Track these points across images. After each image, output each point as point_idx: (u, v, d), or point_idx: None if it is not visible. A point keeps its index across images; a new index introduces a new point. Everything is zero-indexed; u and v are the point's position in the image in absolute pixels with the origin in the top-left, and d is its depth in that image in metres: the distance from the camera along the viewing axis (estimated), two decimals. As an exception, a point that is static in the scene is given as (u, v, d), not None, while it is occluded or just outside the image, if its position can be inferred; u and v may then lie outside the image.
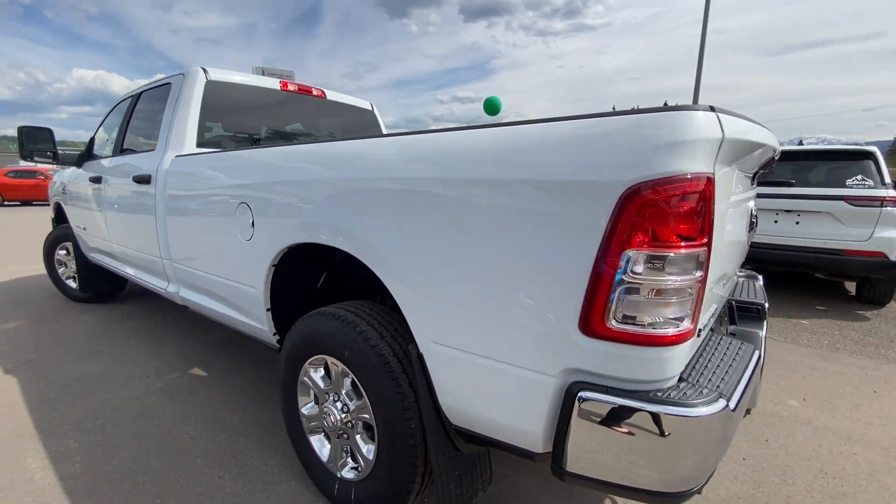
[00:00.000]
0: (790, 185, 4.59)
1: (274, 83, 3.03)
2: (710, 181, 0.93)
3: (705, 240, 0.94)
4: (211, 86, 2.69)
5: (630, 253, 0.92)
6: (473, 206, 1.14)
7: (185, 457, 2.06)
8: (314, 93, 3.27)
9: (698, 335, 1.09)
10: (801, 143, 5.55)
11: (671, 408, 0.93)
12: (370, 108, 3.76)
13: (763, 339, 1.79)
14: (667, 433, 0.93)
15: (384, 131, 3.84)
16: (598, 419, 0.99)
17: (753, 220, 1.62)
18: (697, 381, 1.07)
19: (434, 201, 1.22)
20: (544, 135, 1.05)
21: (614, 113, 0.97)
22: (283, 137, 3.20)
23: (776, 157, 1.54)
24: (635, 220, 0.90)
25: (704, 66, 13.70)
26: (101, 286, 4.24)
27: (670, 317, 0.95)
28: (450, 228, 1.19)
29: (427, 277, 1.26)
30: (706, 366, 1.17)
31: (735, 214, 1.34)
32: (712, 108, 0.93)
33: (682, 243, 0.92)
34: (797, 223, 4.48)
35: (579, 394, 1.00)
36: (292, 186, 1.69)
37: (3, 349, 3.26)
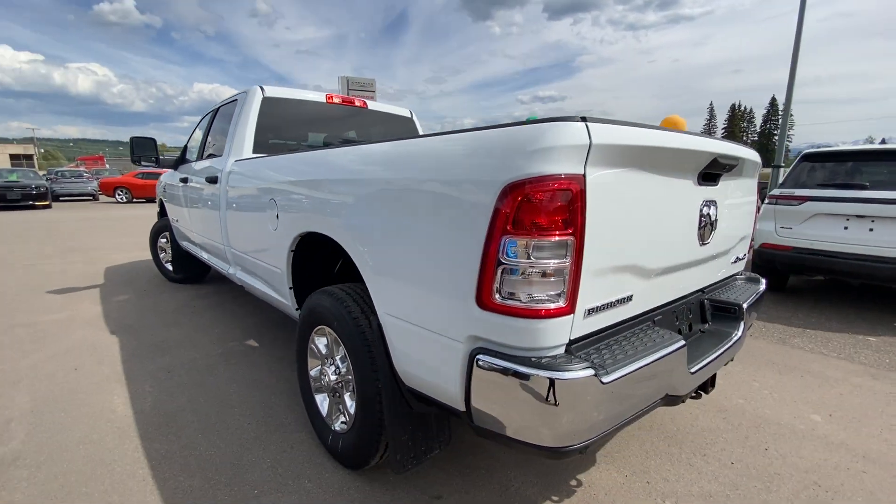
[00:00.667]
0: (864, 188, 4.15)
1: (320, 97, 3.48)
2: (578, 180, 1.09)
3: (571, 230, 1.10)
4: (267, 101, 3.19)
5: (507, 239, 1.10)
6: (406, 200, 1.39)
7: (226, 406, 2.52)
8: (356, 104, 3.67)
9: (589, 314, 1.23)
10: (870, 141, 4.92)
11: (538, 370, 1.10)
12: (409, 115, 4.10)
13: (737, 338, 1.81)
14: (536, 392, 1.10)
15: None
16: (489, 379, 1.18)
17: (705, 218, 1.65)
18: (588, 354, 1.22)
19: (380, 196, 1.49)
20: (456, 142, 1.27)
21: (507, 125, 1.16)
22: (329, 143, 3.65)
23: (723, 161, 1.58)
24: (510, 212, 1.09)
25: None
26: (190, 270, 5.05)
27: (545, 294, 1.12)
28: (391, 219, 1.45)
29: (380, 259, 1.52)
30: (612, 346, 1.29)
31: (662, 212, 1.43)
32: (583, 119, 1.08)
33: (550, 232, 1.09)
34: (871, 230, 4.04)
35: (477, 357, 1.20)
36: (299, 186, 2.05)
37: (113, 315, 4.08)
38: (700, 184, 1.59)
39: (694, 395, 1.77)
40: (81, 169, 27.64)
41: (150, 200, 20.37)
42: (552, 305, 1.13)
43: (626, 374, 1.17)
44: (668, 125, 9.17)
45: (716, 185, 1.70)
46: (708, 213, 1.65)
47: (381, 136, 3.96)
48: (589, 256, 1.15)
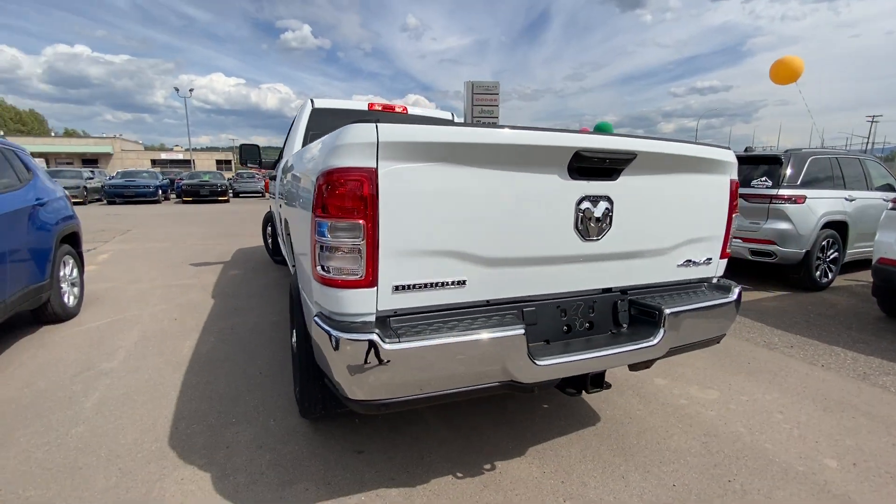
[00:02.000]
0: None
1: (362, 105, 3.96)
2: (370, 172, 1.27)
3: (362, 214, 1.28)
4: (315, 112, 3.78)
5: (318, 221, 1.34)
6: (295, 190, 1.70)
7: (254, 358, 3.13)
8: (397, 109, 4.07)
9: (399, 290, 1.38)
10: None
11: (335, 331, 1.31)
12: (451, 117, 4.36)
13: (647, 345, 1.70)
14: (333, 348, 1.31)
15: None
16: (318, 336, 1.43)
17: (584, 213, 1.58)
18: (399, 326, 1.38)
19: (293, 187, 1.83)
20: (318, 142, 1.54)
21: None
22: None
23: (591, 155, 1.52)
24: (320, 198, 1.32)
25: None
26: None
27: (346, 268, 1.33)
28: (295, 205, 1.78)
29: (293, 237, 1.87)
30: (437, 324, 1.42)
31: (505, 205, 1.47)
32: (377, 121, 1.27)
33: (345, 215, 1.29)
34: None
35: (314, 318, 1.46)
36: (285, 179, 2.51)
37: (220, 284, 5.18)
38: (575, 178, 1.56)
39: (572, 391, 1.72)
40: (255, 171, 33.65)
41: (300, 197, 24.01)
42: (352, 278, 1.33)
43: (415, 347, 1.31)
44: (780, 67, 8.14)
45: (612, 180, 1.64)
46: (588, 208, 1.60)
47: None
48: (386, 238, 1.32)
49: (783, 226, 4.98)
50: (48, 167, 26.22)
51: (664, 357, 1.83)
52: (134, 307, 4.30)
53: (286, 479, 1.92)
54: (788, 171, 5.12)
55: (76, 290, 4.06)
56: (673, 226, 1.85)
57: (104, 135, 56.93)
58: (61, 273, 3.75)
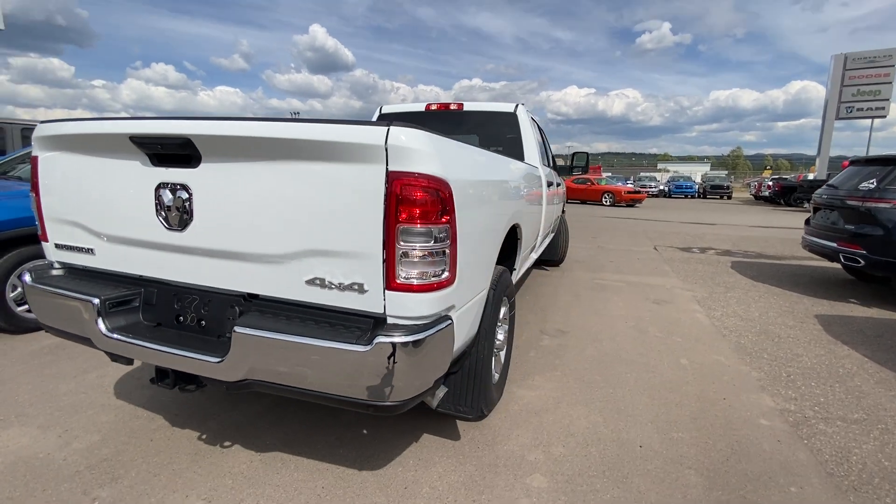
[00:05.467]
0: None
1: (419, 107, 4.11)
2: (35, 159, 1.79)
3: (34, 188, 1.80)
4: (381, 116, 4.25)
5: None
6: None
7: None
8: (452, 107, 3.99)
9: (59, 248, 1.81)
10: None
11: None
12: (512, 110, 3.85)
13: (207, 361, 1.48)
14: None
15: (523, 129, 3.82)
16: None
17: (160, 201, 1.42)
18: (62, 273, 1.85)
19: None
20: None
21: None
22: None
23: (144, 140, 1.42)
24: None
25: None
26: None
27: (41, 227, 1.89)
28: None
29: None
30: (79, 277, 1.80)
31: (102, 187, 1.63)
32: (37, 122, 1.77)
33: (31, 190, 1.85)
34: None
35: None
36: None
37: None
38: (155, 165, 1.52)
39: (157, 378, 1.62)
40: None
41: (583, 202, 23.63)
42: (40, 233, 1.90)
43: (32, 286, 1.76)
44: None
45: (192, 167, 1.47)
46: (161, 196, 1.49)
47: (481, 132, 4.05)
48: (45, 207, 1.82)
49: None
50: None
51: (245, 388, 1.45)
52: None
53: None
54: None
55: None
56: (279, 228, 1.40)
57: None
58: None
